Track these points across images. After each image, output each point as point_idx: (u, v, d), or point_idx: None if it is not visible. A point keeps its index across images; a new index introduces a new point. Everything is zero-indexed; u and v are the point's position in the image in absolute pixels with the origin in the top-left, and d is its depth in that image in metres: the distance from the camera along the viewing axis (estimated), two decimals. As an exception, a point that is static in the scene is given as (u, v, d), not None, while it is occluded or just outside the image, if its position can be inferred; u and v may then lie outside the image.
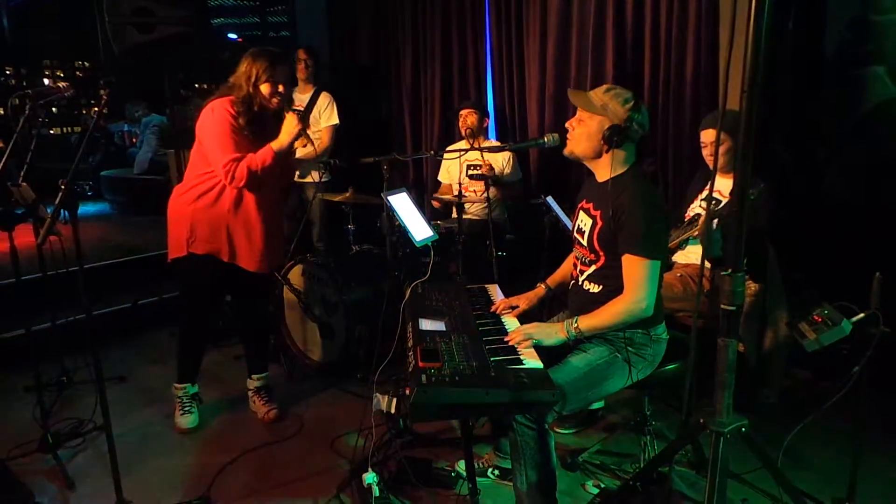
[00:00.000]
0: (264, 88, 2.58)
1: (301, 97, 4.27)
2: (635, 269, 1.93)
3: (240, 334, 3.29)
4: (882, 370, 1.84)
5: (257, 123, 2.61)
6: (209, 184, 2.64)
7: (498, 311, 2.27)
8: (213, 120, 2.55)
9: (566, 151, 2.12)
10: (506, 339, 1.95)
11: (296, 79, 4.27)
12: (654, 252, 1.92)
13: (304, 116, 2.65)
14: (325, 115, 4.23)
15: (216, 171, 2.59)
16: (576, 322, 1.97)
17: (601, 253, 2.05)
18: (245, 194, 2.67)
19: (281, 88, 2.60)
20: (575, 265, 2.22)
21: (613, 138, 1.97)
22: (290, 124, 2.59)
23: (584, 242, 2.11)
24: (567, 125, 2.11)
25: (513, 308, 2.31)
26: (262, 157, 2.55)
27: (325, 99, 4.23)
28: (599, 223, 2.03)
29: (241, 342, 3.23)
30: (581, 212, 2.17)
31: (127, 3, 3.46)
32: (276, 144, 2.57)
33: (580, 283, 2.16)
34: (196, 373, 2.98)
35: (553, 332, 1.98)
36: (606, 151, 2.01)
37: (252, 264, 2.74)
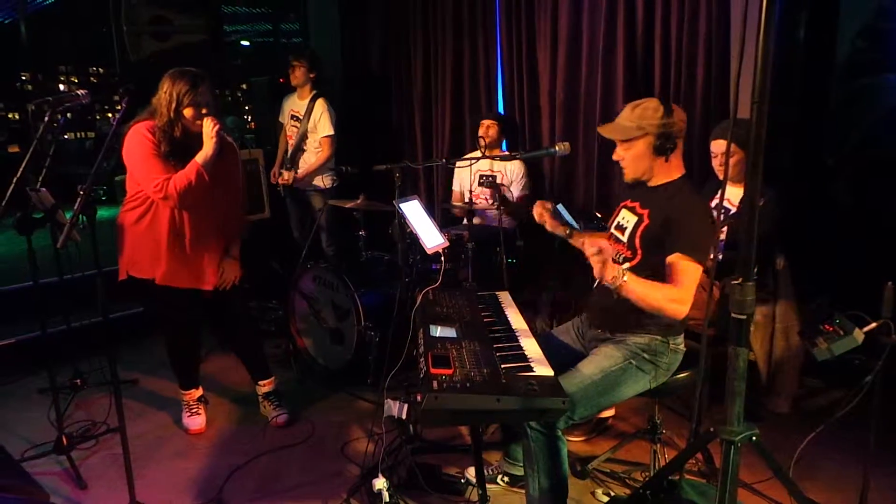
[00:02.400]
0: (187, 112, 2.53)
1: (300, 103, 4.31)
2: (685, 270, 1.91)
3: (230, 350, 3.28)
4: (894, 379, 1.83)
5: (181, 148, 2.56)
6: (146, 206, 2.63)
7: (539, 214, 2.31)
8: (134, 146, 2.53)
9: (627, 179, 2.12)
10: (585, 241, 1.83)
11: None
12: (703, 258, 1.93)
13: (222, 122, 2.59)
14: (321, 126, 4.21)
15: (147, 192, 2.56)
16: (625, 278, 1.86)
17: (639, 251, 2.05)
18: (179, 215, 2.63)
19: (205, 111, 2.54)
20: None
21: (665, 146, 1.99)
22: (207, 129, 2.53)
23: (624, 239, 2.11)
24: (615, 158, 2.12)
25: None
26: (188, 172, 2.52)
27: (319, 107, 4.21)
28: (646, 221, 2.04)
29: (234, 354, 3.21)
30: (624, 210, 2.17)
31: (144, 12, 3.52)
32: (200, 157, 2.53)
33: None
34: (196, 379, 3.01)
35: (608, 272, 1.82)
36: (666, 161, 2.04)
37: (188, 282, 2.69)
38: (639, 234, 2.05)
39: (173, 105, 2.51)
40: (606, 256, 1.84)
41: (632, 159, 2.06)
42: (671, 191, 2.03)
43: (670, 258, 1.94)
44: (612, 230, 2.20)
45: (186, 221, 2.65)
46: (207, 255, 2.73)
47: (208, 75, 2.62)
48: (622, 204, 2.21)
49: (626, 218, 2.13)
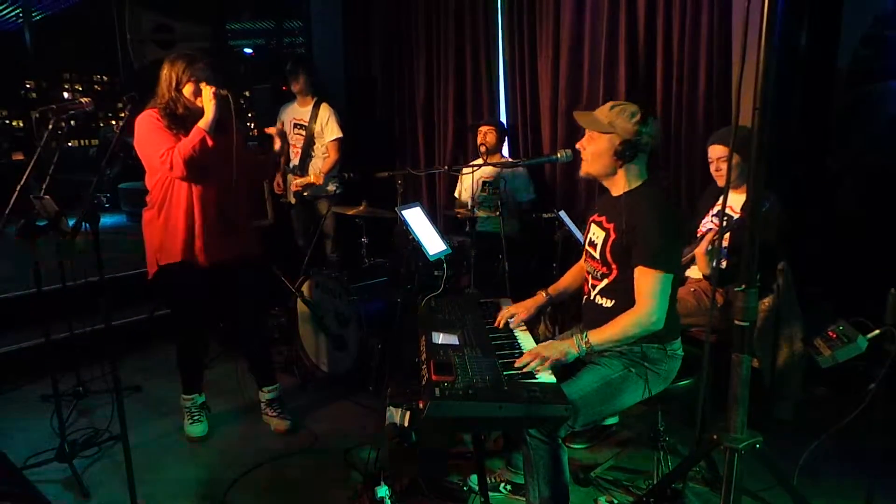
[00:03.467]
0: (187, 90, 2.60)
1: (302, 110, 4.32)
2: (647, 281, 1.92)
3: (240, 352, 3.29)
4: (898, 387, 1.83)
5: (185, 125, 2.61)
6: (161, 194, 2.69)
7: (499, 325, 2.24)
8: (143, 127, 2.60)
9: (582, 173, 2.12)
10: (517, 365, 1.88)
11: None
12: (666, 265, 1.92)
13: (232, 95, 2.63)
14: (329, 129, 4.21)
15: (160, 172, 2.63)
16: (586, 337, 1.96)
17: (613, 266, 2.04)
18: (194, 191, 2.66)
19: (202, 86, 2.59)
20: (587, 280, 2.21)
21: (625, 153, 1.98)
22: (206, 95, 2.58)
23: (597, 255, 2.10)
24: (578, 146, 2.12)
25: (513, 317, 2.26)
26: (191, 137, 2.56)
27: (325, 112, 4.22)
28: (612, 235, 2.04)
29: (244, 357, 3.23)
30: (593, 225, 2.17)
31: (148, 20, 3.54)
32: (202, 122, 2.57)
33: (593, 298, 2.15)
34: (200, 382, 3.01)
35: (565, 350, 1.94)
36: (620, 167, 2.03)
37: (210, 254, 2.72)
38: (608, 249, 2.04)
39: (173, 84, 2.59)
40: (550, 355, 1.90)
41: (591, 153, 2.05)
42: (630, 201, 2.01)
43: (634, 271, 1.95)
44: (587, 247, 2.19)
45: (198, 196, 2.67)
46: (231, 225, 2.76)
47: (205, 56, 2.69)
48: (591, 219, 2.20)
49: (596, 233, 2.13)
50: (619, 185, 2.07)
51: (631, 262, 1.97)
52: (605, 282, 2.08)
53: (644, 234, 1.93)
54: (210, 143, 2.57)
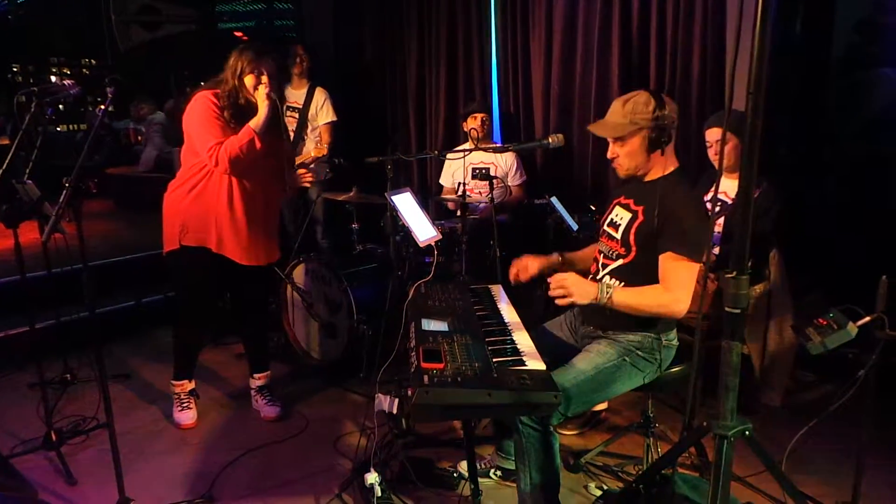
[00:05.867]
0: (248, 80, 2.60)
1: (296, 93, 4.29)
2: (678, 268, 1.90)
3: (239, 333, 3.29)
4: (887, 374, 1.83)
5: (242, 116, 2.62)
6: (199, 176, 2.67)
7: (513, 280, 2.30)
8: (197, 110, 2.59)
9: (622, 175, 2.09)
10: (547, 282, 1.95)
11: (290, 74, 4.28)
12: (696, 254, 1.90)
13: (280, 96, 2.66)
14: (323, 113, 4.23)
15: (202, 158, 2.61)
16: (611, 291, 1.93)
17: (634, 248, 2.02)
18: (234, 185, 2.68)
19: (265, 79, 2.60)
20: (596, 259, 2.18)
21: (659, 140, 1.96)
22: (261, 94, 2.59)
23: (618, 236, 2.08)
24: (609, 156, 2.08)
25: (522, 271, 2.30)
26: (241, 136, 2.56)
27: (320, 95, 4.23)
28: (640, 218, 2.01)
29: (241, 341, 3.23)
30: (617, 206, 2.14)
31: (133, 1, 3.47)
32: (253, 122, 2.58)
33: (601, 277, 2.12)
34: (192, 369, 2.99)
35: (586, 293, 1.93)
36: (661, 155, 2.00)
37: (239, 255, 2.73)
38: (633, 230, 2.02)
39: (237, 73, 2.59)
40: (574, 289, 1.91)
41: (626, 156, 2.02)
42: (666, 186, 1.99)
43: (662, 257, 1.93)
44: (605, 227, 2.17)
45: (239, 193, 2.69)
46: (260, 231, 2.79)
47: (276, 51, 2.72)
48: (616, 200, 2.17)
49: (620, 215, 2.10)
50: (654, 171, 2.05)
51: (658, 248, 1.94)
52: (619, 262, 2.06)
53: (680, 221, 1.91)
54: (259, 144, 2.57)
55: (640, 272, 1.98)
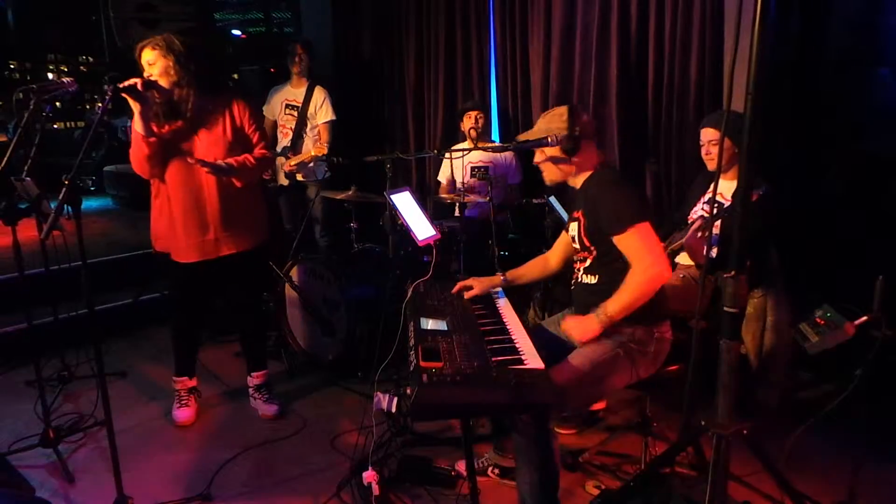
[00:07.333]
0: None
1: (295, 92, 4.28)
2: (630, 242, 1.98)
3: (238, 332, 3.29)
4: (884, 373, 1.83)
5: (173, 114, 2.57)
6: (157, 183, 2.70)
7: (454, 292, 2.36)
8: None
9: (548, 183, 2.26)
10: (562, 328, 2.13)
11: (289, 72, 4.28)
12: (634, 218, 1.98)
13: (147, 84, 2.44)
14: (322, 112, 4.21)
15: None
16: (602, 310, 1.99)
17: (592, 247, 2.14)
18: (165, 189, 2.66)
19: (147, 74, 2.51)
20: (575, 269, 2.27)
21: (570, 148, 2.09)
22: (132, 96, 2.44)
23: (577, 245, 2.20)
24: (535, 162, 2.26)
25: (467, 289, 2.38)
26: (132, 138, 2.55)
27: (319, 94, 4.21)
28: (583, 221, 2.15)
29: (239, 340, 3.23)
30: (571, 222, 2.28)
31: (131, -2, 3.47)
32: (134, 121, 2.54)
33: (580, 279, 2.22)
34: (193, 366, 2.99)
35: (586, 329, 2.02)
36: (573, 163, 2.14)
37: (185, 256, 2.69)
38: (583, 234, 2.16)
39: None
40: (574, 335, 2.05)
41: (546, 163, 2.20)
42: (588, 185, 2.15)
43: (615, 241, 2.02)
44: (573, 244, 2.28)
45: (174, 194, 2.65)
46: (212, 225, 2.68)
47: (169, 40, 2.54)
48: (570, 216, 2.32)
49: (573, 226, 2.24)
50: (578, 179, 2.19)
51: (605, 238, 2.04)
52: (589, 261, 2.17)
53: (604, 204, 2.04)
54: (144, 140, 2.50)
55: (607, 261, 2.09)
